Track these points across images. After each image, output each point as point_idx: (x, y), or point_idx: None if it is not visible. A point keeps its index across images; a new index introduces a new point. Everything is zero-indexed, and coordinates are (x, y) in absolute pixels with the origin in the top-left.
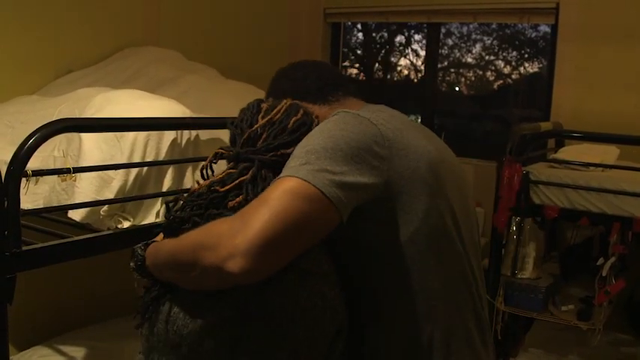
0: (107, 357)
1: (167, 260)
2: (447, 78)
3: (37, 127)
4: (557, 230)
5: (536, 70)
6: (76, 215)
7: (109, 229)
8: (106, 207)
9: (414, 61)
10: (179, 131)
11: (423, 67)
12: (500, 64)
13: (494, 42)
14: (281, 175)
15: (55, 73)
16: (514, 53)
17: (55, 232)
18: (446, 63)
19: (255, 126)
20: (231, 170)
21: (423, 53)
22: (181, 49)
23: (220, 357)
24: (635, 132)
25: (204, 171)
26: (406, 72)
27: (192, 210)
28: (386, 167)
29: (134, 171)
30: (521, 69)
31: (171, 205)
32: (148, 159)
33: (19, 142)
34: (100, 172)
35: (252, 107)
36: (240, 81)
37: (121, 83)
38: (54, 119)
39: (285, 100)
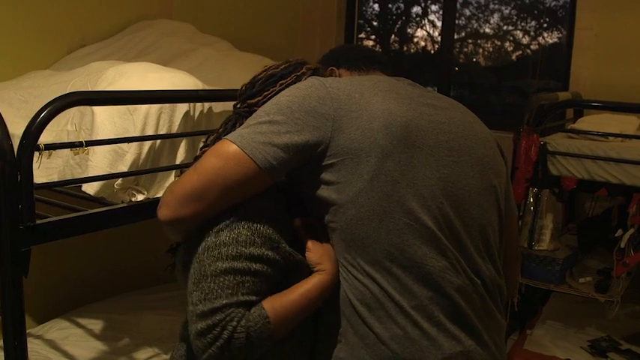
0: (124, 329)
1: None
2: (465, 49)
3: (47, 101)
4: (574, 202)
5: (555, 40)
6: (90, 189)
7: (122, 202)
8: (119, 180)
9: (431, 32)
10: (192, 104)
11: (439, 38)
12: (519, 34)
13: (512, 12)
14: (224, 137)
15: (68, 48)
16: (533, 23)
17: (69, 205)
18: (463, 34)
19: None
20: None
21: (439, 24)
22: (194, 22)
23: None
24: None
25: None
26: (423, 43)
27: None
28: (330, 127)
29: (147, 144)
30: (540, 39)
31: None
32: (161, 132)
33: None
34: (114, 145)
35: None
36: (254, 53)
37: (134, 57)
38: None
39: (289, 64)
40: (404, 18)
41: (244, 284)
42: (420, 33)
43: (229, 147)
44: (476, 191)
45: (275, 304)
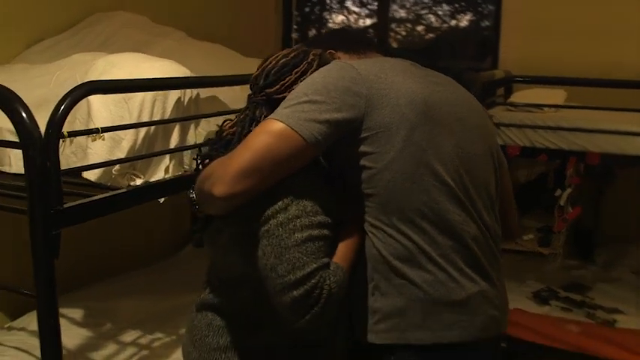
0: (104, 315)
1: (197, 194)
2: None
3: (33, 95)
4: (512, 169)
5: (467, 22)
6: (91, 175)
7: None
8: (117, 166)
9: (345, 18)
10: (183, 91)
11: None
12: (432, 17)
13: None
14: (269, 117)
15: (26, 42)
16: (448, 8)
17: (74, 191)
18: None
19: (255, 73)
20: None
21: (355, 9)
22: (145, 13)
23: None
24: (580, 75)
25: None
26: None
27: (210, 148)
28: (363, 104)
29: (143, 130)
30: (455, 21)
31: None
32: (155, 118)
33: None
34: (111, 132)
35: None
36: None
37: (95, 49)
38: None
39: (299, 52)
40: (320, 6)
41: (322, 248)
42: (339, 19)
43: (277, 125)
44: (479, 155)
45: (338, 256)
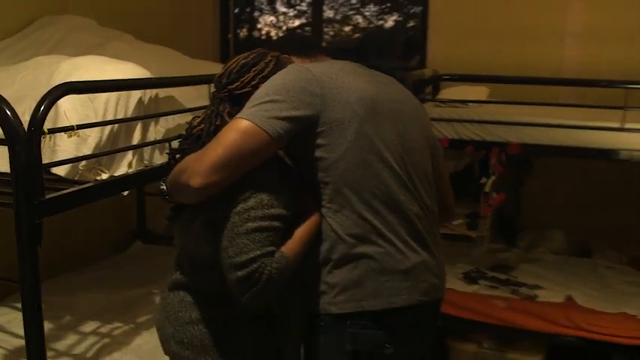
0: (63, 309)
1: (171, 185)
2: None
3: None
4: None
5: (393, 22)
6: (60, 171)
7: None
8: (84, 162)
9: (275, 19)
10: (144, 91)
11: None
12: (360, 18)
13: None
14: (236, 116)
15: None
16: (376, 8)
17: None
18: (311, 19)
19: (219, 73)
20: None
21: (282, 10)
22: (90, 16)
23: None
24: (501, 73)
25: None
26: (268, 29)
27: (181, 143)
28: (318, 102)
29: (107, 128)
30: (381, 21)
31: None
32: (119, 117)
33: None
34: (78, 130)
35: None
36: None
37: (48, 51)
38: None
39: (257, 54)
40: (249, 6)
41: (269, 238)
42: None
43: (244, 123)
44: (418, 144)
45: (288, 246)
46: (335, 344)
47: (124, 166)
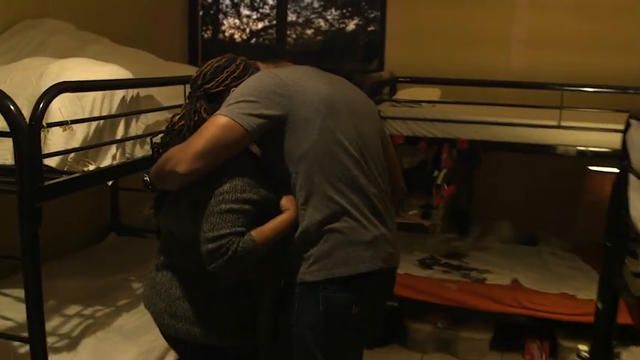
0: (45, 294)
1: (155, 173)
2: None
3: None
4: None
5: (354, 26)
6: (51, 162)
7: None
8: (72, 154)
9: (239, 21)
10: (126, 90)
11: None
12: (322, 21)
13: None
14: (215, 113)
15: None
16: (337, 12)
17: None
18: (274, 22)
19: (195, 75)
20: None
21: (246, 13)
22: (69, 20)
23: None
24: (452, 76)
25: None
26: (232, 32)
27: (164, 137)
28: (286, 103)
29: (93, 124)
30: (343, 25)
31: (154, 139)
32: (104, 114)
33: None
34: (60, 127)
35: None
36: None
37: (29, 54)
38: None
39: (229, 58)
40: (214, 8)
41: (239, 219)
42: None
43: (223, 118)
44: (371, 135)
45: (259, 231)
46: (309, 307)
47: (109, 158)
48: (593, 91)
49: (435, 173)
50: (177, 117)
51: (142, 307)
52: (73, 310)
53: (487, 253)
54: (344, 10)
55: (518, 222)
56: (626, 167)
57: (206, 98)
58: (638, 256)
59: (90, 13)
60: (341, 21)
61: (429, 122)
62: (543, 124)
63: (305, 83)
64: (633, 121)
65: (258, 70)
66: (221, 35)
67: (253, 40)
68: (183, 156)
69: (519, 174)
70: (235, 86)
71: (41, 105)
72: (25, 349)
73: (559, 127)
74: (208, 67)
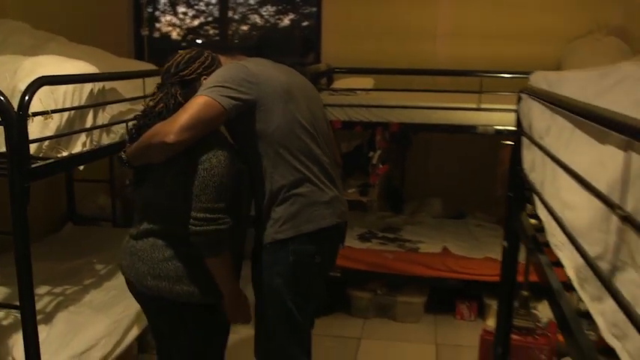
0: (13, 278)
1: (138, 149)
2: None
3: None
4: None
5: (289, 21)
6: (30, 149)
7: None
8: (47, 142)
9: (175, 18)
10: (94, 83)
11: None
12: (257, 17)
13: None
14: (196, 94)
15: None
16: (273, 9)
17: None
18: (210, 18)
19: (167, 65)
20: (160, 94)
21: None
22: (24, 20)
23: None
24: (383, 66)
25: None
26: (169, 28)
27: (143, 120)
28: (255, 89)
29: (65, 114)
30: (278, 21)
31: (130, 124)
32: (74, 105)
33: None
34: (41, 116)
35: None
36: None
37: None
38: None
39: (198, 51)
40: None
41: (227, 191)
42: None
43: (204, 98)
44: (320, 115)
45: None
46: (281, 260)
47: (79, 145)
48: (509, 77)
49: (371, 154)
50: (153, 102)
51: (107, 284)
52: (43, 289)
53: (420, 226)
54: (279, 6)
55: (447, 199)
56: (519, 132)
57: (180, 84)
58: (532, 202)
59: (44, 13)
60: (276, 17)
61: (363, 108)
62: (465, 107)
63: (268, 73)
64: (523, 95)
65: (219, 61)
66: (157, 33)
67: (189, 37)
68: (172, 128)
69: (447, 155)
70: (206, 75)
71: (27, 97)
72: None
73: (479, 109)
74: (180, 57)
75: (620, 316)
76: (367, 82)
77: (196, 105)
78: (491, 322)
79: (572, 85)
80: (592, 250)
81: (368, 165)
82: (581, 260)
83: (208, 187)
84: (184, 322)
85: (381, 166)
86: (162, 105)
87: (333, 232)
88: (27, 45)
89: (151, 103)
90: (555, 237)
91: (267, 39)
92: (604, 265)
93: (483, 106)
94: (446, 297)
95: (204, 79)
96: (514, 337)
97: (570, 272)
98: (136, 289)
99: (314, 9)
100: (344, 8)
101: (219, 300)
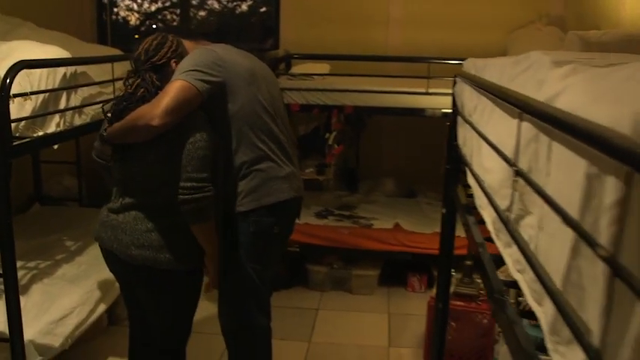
0: None
1: (122, 129)
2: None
3: None
4: (292, 125)
5: (246, 7)
6: None
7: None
8: (23, 122)
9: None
10: (67, 67)
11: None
12: (215, 3)
13: None
14: (172, 79)
15: None
16: None
17: None
18: (168, 3)
19: (136, 52)
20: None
21: None
22: None
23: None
24: (339, 52)
25: (125, 82)
26: (127, 13)
27: (124, 103)
28: (224, 72)
29: (40, 96)
30: (236, 6)
31: (105, 107)
32: (48, 87)
33: None
34: (19, 98)
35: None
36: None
37: None
38: None
39: (162, 36)
40: None
41: (210, 163)
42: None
43: (181, 82)
44: (278, 97)
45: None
46: (243, 229)
47: (53, 126)
48: (455, 63)
49: (327, 135)
50: (132, 87)
51: (79, 259)
52: (17, 264)
53: (374, 205)
54: None
55: (400, 178)
56: (455, 111)
57: (153, 70)
58: (465, 173)
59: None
60: (234, 3)
61: (320, 92)
62: (414, 91)
63: (233, 58)
64: (457, 78)
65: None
66: (116, 18)
67: (147, 22)
68: (156, 112)
69: (400, 137)
70: (175, 58)
71: (7, 80)
72: None
73: (427, 93)
74: (148, 44)
75: (520, 255)
76: (324, 67)
77: (175, 89)
78: None
79: (493, 70)
80: (502, 204)
81: (324, 146)
82: (495, 214)
83: (194, 159)
84: (163, 288)
85: (336, 146)
86: (143, 90)
87: (291, 205)
88: None
89: (130, 89)
90: (480, 199)
91: (227, 25)
92: (511, 216)
93: (431, 90)
94: (398, 270)
95: (174, 62)
96: (458, 303)
97: (490, 226)
98: (118, 259)
99: None
100: None
101: (196, 266)
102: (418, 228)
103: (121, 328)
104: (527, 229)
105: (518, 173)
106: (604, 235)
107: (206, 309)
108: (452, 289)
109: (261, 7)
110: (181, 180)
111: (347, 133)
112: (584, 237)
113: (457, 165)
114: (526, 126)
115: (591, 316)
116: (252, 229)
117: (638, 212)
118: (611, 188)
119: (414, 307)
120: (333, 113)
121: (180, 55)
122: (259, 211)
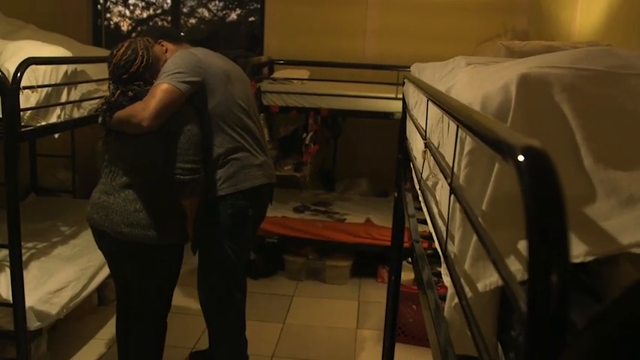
0: None
1: (117, 120)
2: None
3: None
4: (274, 126)
5: (235, 16)
6: None
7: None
8: (28, 112)
9: (126, 10)
10: (68, 65)
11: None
12: (205, 11)
13: None
14: (157, 82)
15: None
16: (221, 4)
17: None
18: (159, 10)
19: (109, 65)
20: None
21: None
22: None
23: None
24: (318, 59)
25: (110, 85)
26: (118, 19)
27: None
28: (203, 73)
29: (44, 90)
30: (226, 15)
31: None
32: (52, 83)
33: None
34: (27, 90)
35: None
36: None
37: None
38: None
39: (132, 49)
40: None
41: (201, 149)
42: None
43: (165, 85)
44: (251, 96)
45: None
46: (221, 211)
47: (54, 117)
48: None
49: (304, 135)
50: (115, 96)
51: (73, 241)
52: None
53: (348, 202)
54: (227, 2)
55: (374, 179)
56: (404, 108)
57: (131, 78)
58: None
59: (12, 3)
60: (224, 12)
61: (299, 95)
62: (385, 96)
63: (211, 60)
64: (406, 80)
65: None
66: (107, 23)
67: (139, 29)
68: (146, 114)
69: (374, 140)
70: (147, 70)
71: (19, 73)
72: None
73: (396, 98)
74: (117, 59)
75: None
76: (303, 73)
77: (161, 92)
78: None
79: (429, 72)
80: (424, 174)
81: (301, 145)
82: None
83: (194, 144)
84: (149, 262)
85: (312, 145)
86: (134, 91)
87: (264, 190)
88: (4, 30)
89: (112, 98)
90: (414, 177)
91: (215, 34)
92: (430, 183)
93: (400, 96)
94: (369, 262)
95: (148, 73)
96: (408, 287)
97: (420, 197)
98: (109, 237)
99: (259, 5)
100: (285, 7)
101: (177, 241)
102: (388, 223)
103: (110, 308)
104: (440, 191)
105: (426, 145)
106: (462, 175)
107: (191, 294)
108: (412, 275)
109: (250, 17)
110: (182, 162)
111: (323, 134)
112: (453, 189)
113: (407, 155)
114: (432, 108)
115: (456, 235)
116: (230, 210)
117: (479, 156)
118: (468, 143)
119: (382, 295)
120: (310, 115)
121: (151, 66)
122: (236, 195)
